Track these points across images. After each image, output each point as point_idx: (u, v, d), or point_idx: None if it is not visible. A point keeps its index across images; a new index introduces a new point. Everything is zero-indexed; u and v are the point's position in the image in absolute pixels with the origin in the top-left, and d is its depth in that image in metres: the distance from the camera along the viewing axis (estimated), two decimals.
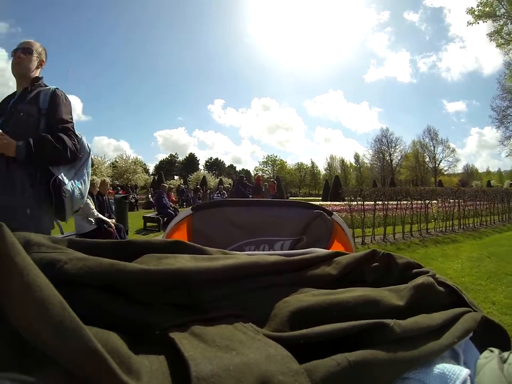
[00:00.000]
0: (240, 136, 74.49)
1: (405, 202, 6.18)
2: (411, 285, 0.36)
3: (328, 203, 15.35)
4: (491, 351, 0.33)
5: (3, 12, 58.87)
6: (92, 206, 3.87)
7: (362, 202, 5.55)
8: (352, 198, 5.64)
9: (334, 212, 0.97)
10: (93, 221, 3.83)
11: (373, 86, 70.23)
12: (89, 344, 0.19)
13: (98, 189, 4.34)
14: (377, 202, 5.67)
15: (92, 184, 3.92)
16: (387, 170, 44.65)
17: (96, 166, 28.19)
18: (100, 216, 3.95)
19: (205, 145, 71.85)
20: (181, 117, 74.84)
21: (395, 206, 6.04)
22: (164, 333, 0.26)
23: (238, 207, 0.94)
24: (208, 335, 0.26)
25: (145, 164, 40.95)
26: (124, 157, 34.48)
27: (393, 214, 5.82)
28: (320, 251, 0.47)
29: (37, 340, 0.20)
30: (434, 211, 7.02)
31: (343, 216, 6.46)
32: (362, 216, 5.51)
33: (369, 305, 0.32)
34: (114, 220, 4.38)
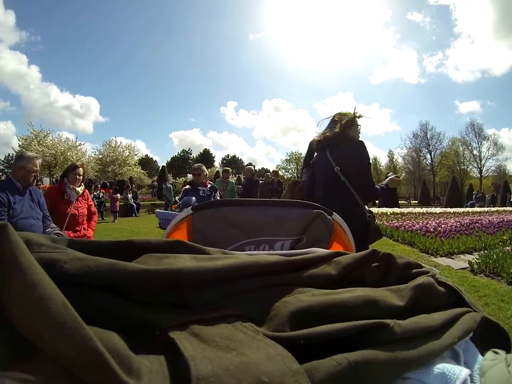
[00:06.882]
0: (254, 138, 74.66)
1: None
2: (411, 285, 0.36)
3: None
4: (496, 352, 0.33)
5: (24, 22, 62.04)
6: None
7: None
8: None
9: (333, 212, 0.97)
10: None
11: (380, 88, 68.97)
12: (90, 343, 0.19)
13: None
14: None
15: None
16: (423, 170, 38.14)
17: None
18: None
19: (220, 146, 71.95)
20: (193, 118, 75.78)
21: None
22: (164, 333, 0.26)
23: (238, 207, 0.93)
24: (208, 335, 0.26)
25: (141, 153, 30.02)
26: (113, 145, 24.15)
27: None
28: (320, 251, 0.47)
29: (38, 339, 0.20)
30: None
31: None
32: None
33: (369, 305, 0.32)
34: None
